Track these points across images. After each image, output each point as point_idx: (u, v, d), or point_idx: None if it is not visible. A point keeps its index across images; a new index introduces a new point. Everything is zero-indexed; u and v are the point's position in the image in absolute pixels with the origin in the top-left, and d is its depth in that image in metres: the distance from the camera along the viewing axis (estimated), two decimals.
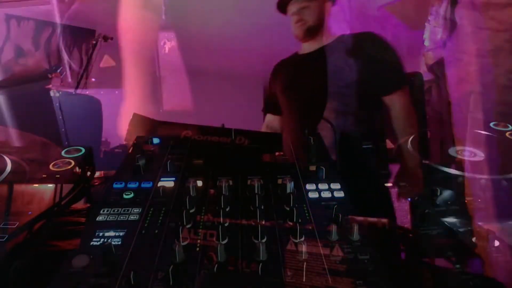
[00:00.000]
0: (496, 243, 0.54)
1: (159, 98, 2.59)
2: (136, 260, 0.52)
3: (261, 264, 0.50)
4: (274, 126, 1.50)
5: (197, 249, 0.54)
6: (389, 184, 1.12)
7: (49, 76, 1.89)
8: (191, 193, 0.66)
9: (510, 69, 1.33)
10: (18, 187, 0.75)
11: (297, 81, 1.40)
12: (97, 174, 0.86)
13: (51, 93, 1.66)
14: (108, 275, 0.49)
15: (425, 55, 1.84)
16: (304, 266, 0.50)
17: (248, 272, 0.50)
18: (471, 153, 0.76)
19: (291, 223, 0.59)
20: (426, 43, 1.76)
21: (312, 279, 0.49)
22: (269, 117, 1.53)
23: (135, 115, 1.02)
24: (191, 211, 0.61)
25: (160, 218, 0.60)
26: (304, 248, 0.53)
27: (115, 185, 0.69)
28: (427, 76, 1.66)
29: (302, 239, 0.55)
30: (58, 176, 0.77)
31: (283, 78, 1.45)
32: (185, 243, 0.54)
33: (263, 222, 0.59)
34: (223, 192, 0.66)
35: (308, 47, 1.40)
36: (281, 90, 1.44)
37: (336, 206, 0.62)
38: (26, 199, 0.72)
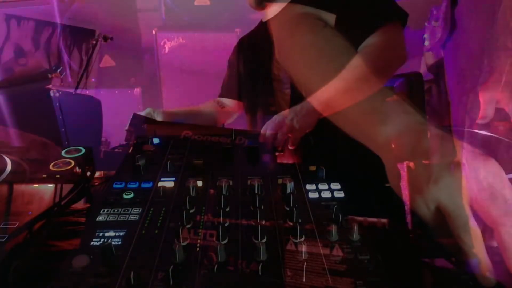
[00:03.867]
0: (495, 243, 0.54)
1: (159, 98, 2.59)
2: (136, 260, 0.52)
3: (261, 264, 0.50)
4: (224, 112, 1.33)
5: (197, 249, 0.54)
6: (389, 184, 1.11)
7: (49, 76, 1.89)
8: (191, 193, 0.66)
9: (510, 69, 1.33)
10: (18, 187, 0.75)
11: (263, 54, 1.17)
12: (97, 174, 0.86)
13: (51, 93, 1.66)
14: (108, 275, 0.49)
15: (425, 55, 1.84)
16: (304, 266, 0.50)
17: (248, 272, 0.50)
18: None
19: (291, 223, 0.59)
20: (426, 43, 1.76)
21: (312, 279, 0.49)
22: (226, 101, 1.35)
23: (135, 115, 1.02)
24: (191, 211, 0.61)
25: (160, 218, 0.61)
26: (304, 248, 0.53)
27: (115, 185, 0.69)
28: (427, 76, 1.66)
29: (302, 239, 0.55)
30: (58, 176, 0.77)
31: (249, 54, 1.26)
32: (185, 243, 0.54)
33: (263, 222, 0.59)
34: (223, 192, 0.66)
35: (270, 11, 1.14)
36: (247, 68, 1.23)
37: (336, 206, 0.62)
38: (26, 199, 0.72)
